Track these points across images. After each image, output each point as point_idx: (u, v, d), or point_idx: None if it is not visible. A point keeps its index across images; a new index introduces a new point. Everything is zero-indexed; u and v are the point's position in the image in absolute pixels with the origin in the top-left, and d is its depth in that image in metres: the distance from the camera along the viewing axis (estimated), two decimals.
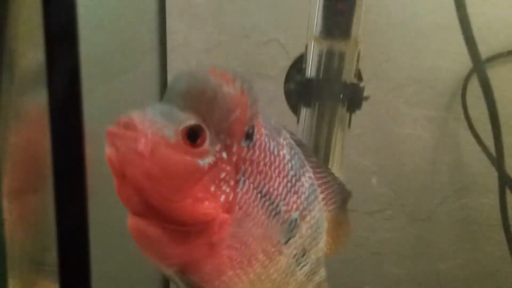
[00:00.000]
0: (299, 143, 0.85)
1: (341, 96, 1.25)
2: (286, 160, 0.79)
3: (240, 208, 0.74)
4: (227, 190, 0.72)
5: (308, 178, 0.83)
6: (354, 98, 1.26)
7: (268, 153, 0.77)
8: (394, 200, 1.76)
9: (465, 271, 1.80)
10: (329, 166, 1.23)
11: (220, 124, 0.71)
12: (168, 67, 1.66)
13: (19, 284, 1.14)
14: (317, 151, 1.25)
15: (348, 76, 1.25)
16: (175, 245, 0.72)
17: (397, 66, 1.69)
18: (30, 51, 0.97)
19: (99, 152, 0.72)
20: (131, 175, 0.67)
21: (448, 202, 1.78)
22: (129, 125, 0.67)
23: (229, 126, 0.71)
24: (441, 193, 1.77)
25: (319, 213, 0.85)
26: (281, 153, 0.79)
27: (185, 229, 0.71)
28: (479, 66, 1.56)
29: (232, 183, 0.73)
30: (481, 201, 1.76)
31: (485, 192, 1.75)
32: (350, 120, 1.30)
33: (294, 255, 0.82)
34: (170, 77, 1.65)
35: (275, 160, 0.78)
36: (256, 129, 0.75)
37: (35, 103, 0.94)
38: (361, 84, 1.27)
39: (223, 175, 0.72)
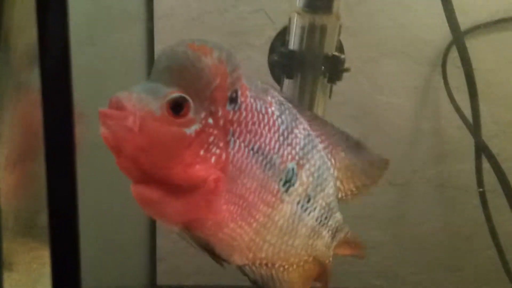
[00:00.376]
0: (290, 100, 0.91)
1: (323, 67, 1.29)
2: (275, 116, 0.86)
3: (233, 166, 0.82)
4: (217, 151, 0.80)
5: (302, 130, 0.90)
6: (335, 70, 1.30)
7: (255, 113, 0.84)
8: None
9: (443, 234, 1.87)
10: None
11: (203, 93, 0.78)
12: (155, 35, 1.67)
13: (13, 244, 1.19)
14: None
15: (330, 48, 1.29)
16: (176, 205, 0.80)
17: (378, 37, 1.73)
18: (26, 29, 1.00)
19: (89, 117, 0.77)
20: (125, 150, 0.75)
21: (427, 168, 1.83)
22: (118, 104, 0.74)
23: (211, 94, 0.78)
24: (420, 160, 1.83)
25: (320, 160, 0.91)
26: (269, 110, 0.86)
27: (182, 190, 0.79)
28: (459, 38, 1.60)
29: (221, 144, 0.80)
30: (458, 167, 1.82)
31: (462, 159, 1.80)
32: (331, 91, 1.35)
33: (298, 202, 0.89)
34: (156, 45, 1.67)
35: (263, 117, 0.85)
36: (240, 93, 0.82)
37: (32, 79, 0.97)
38: (342, 56, 1.31)
39: (211, 139, 0.79)
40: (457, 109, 1.71)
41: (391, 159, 1.78)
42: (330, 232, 0.95)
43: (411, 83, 1.76)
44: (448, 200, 1.84)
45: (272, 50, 1.40)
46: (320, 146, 0.93)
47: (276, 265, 0.91)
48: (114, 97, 0.75)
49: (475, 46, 1.66)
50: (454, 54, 1.70)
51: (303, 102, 1.29)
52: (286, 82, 1.30)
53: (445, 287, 1.82)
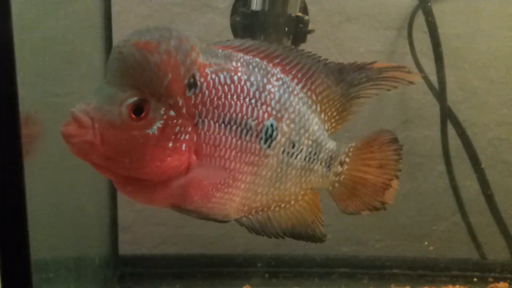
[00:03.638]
0: (257, 46, 0.90)
1: (286, 29, 1.25)
2: (242, 81, 0.86)
3: (206, 144, 0.84)
4: (187, 137, 0.82)
5: (275, 81, 0.89)
6: (298, 31, 1.27)
7: (219, 87, 0.84)
8: (340, 132, 1.80)
9: (409, 201, 1.86)
10: None
11: (158, 90, 0.79)
12: None
13: None
14: None
15: (293, 9, 1.26)
16: (160, 193, 0.84)
17: (345, 2, 1.70)
18: None
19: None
20: (94, 161, 0.80)
21: None
22: (76, 120, 0.77)
23: (166, 89, 0.79)
24: (386, 126, 1.79)
25: (300, 103, 0.92)
26: (235, 77, 0.85)
27: (162, 180, 0.83)
28: (425, 2, 1.59)
29: (189, 129, 0.82)
30: (425, 133, 1.82)
31: (428, 125, 1.80)
32: None
33: (283, 151, 0.90)
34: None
35: (229, 88, 0.84)
36: (198, 75, 0.82)
37: None
38: (306, 17, 1.27)
39: (177, 129, 0.81)
40: (423, 75, 1.68)
41: (357, 125, 1.80)
42: (323, 163, 0.96)
43: (377, 48, 1.74)
44: (413, 166, 1.84)
45: (234, 11, 1.35)
46: (298, 88, 0.92)
47: (272, 207, 0.94)
48: (72, 113, 0.77)
49: (442, 11, 1.65)
50: (420, 19, 1.68)
51: None
52: None
53: (410, 253, 1.83)
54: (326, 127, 0.97)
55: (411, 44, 1.72)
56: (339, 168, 0.97)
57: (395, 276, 1.63)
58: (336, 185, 0.98)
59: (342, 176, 0.98)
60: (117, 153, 0.78)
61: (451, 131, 1.71)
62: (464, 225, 1.73)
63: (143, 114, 0.79)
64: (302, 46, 1.31)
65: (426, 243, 1.85)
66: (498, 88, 1.79)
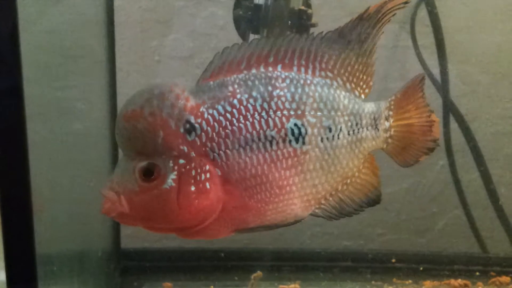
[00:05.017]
0: (252, 49, 0.88)
1: (289, 22, 1.25)
2: (244, 102, 0.86)
3: (233, 171, 0.85)
4: (208, 175, 0.84)
5: (281, 83, 0.88)
6: (302, 25, 1.26)
7: (221, 118, 0.85)
8: None
9: (410, 195, 1.87)
10: None
11: (157, 149, 0.83)
12: None
13: None
14: None
15: (296, 2, 1.25)
16: (210, 229, 0.87)
17: None
18: None
19: None
20: (129, 224, 0.87)
21: None
22: (106, 197, 0.84)
23: (163, 146, 0.83)
24: None
25: (317, 88, 0.91)
26: (235, 101, 0.86)
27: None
28: None
29: (207, 167, 0.84)
30: None
31: None
32: None
33: (321, 139, 0.90)
34: None
35: (232, 114, 0.85)
36: (192, 118, 0.84)
37: None
38: (309, 11, 1.27)
39: (193, 172, 0.84)
40: (426, 68, 1.69)
41: None
42: (369, 128, 0.96)
43: (380, 42, 1.71)
44: None
45: (237, 4, 1.35)
46: (308, 76, 0.91)
47: (339, 188, 0.95)
48: (102, 193, 0.84)
49: (445, 4, 1.64)
50: (423, 13, 1.67)
51: None
52: (252, 37, 1.26)
53: (412, 247, 1.83)
54: (357, 93, 0.95)
55: (413, 38, 1.71)
56: (387, 124, 0.98)
57: (397, 270, 1.63)
58: (389, 140, 0.98)
59: (392, 130, 0.98)
60: (148, 214, 0.84)
61: (453, 125, 1.71)
62: (466, 219, 1.73)
63: (154, 175, 0.83)
64: None
65: (428, 236, 1.85)
66: (501, 82, 1.79)
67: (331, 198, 0.94)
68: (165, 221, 0.85)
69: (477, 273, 1.61)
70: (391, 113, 0.98)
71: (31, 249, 0.87)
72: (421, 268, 1.63)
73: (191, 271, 1.64)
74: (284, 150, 0.87)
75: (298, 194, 0.90)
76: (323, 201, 0.93)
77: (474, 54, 1.76)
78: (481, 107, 1.80)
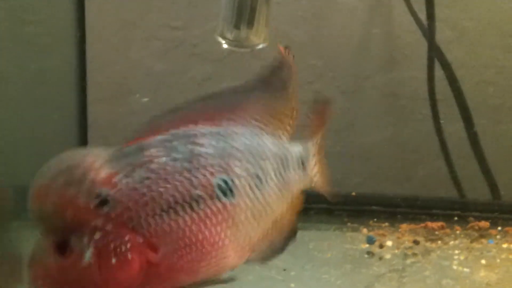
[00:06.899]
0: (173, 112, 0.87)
1: None
2: (163, 165, 0.81)
3: (157, 237, 0.80)
4: (128, 245, 0.79)
5: (204, 140, 0.85)
6: None
7: (138, 185, 0.80)
8: (324, 72, 1.75)
9: (391, 145, 1.84)
10: (254, 28, 1.26)
11: (67, 226, 0.78)
12: None
13: None
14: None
15: None
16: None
17: None
18: None
19: None
20: None
21: (377, 75, 1.78)
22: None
23: (73, 222, 0.78)
24: (371, 66, 1.77)
25: (242, 139, 0.88)
26: (152, 166, 0.81)
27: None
28: None
29: (128, 237, 0.79)
30: (410, 74, 1.77)
31: (415, 66, 1.74)
32: None
33: (250, 188, 0.87)
34: None
35: (151, 180, 0.80)
36: (104, 191, 0.78)
37: None
38: None
39: (112, 245, 0.79)
40: (411, 10, 1.64)
41: (341, 64, 1.75)
42: (296, 169, 0.96)
43: None
44: (398, 109, 1.80)
45: None
46: (232, 128, 0.89)
47: (269, 231, 0.93)
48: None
49: None
50: None
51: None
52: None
53: (391, 197, 1.80)
54: (285, 137, 0.95)
55: None
56: (312, 163, 0.99)
57: (374, 213, 1.60)
58: (316, 177, 1.00)
59: (317, 166, 1.00)
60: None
61: (438, 72, 1.66)
62: (447, 169, 1.70)
63: (67, 252, 0.79)
64: None
65: (408, 186, 1.83)
66: (489, 29, 1.74)
67: (262, 242, 0.92)
68: None
69: (456, 218, 1.58)
70: (315, 151, 1.00)
71: None
72: (398, 212, 1.61)
73: None
74: (213, 207, 0.83)
75: (231, 246, 0.86)
76: (256, 247, 0.91)
77: None
78: (467, 55, 1.75)
